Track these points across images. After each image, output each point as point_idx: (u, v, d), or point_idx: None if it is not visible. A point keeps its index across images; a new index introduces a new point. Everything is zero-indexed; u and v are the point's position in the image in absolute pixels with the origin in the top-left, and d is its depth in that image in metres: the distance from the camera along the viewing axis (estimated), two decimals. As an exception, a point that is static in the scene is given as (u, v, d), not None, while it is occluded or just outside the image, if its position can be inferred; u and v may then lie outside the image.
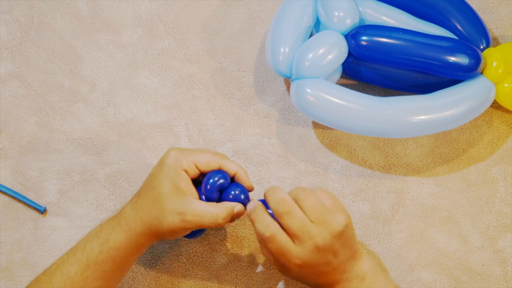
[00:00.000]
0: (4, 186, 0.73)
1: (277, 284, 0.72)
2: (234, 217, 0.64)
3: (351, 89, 0.70)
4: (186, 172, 0.63)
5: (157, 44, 0.78)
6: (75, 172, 0.74)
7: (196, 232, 0.67)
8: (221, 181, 0.64)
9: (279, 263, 0.62)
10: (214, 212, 0.62)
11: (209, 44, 0.78)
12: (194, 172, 0.63)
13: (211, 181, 0.64)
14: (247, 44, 0.78)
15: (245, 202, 0.64)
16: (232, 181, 0.66)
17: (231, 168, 0.65)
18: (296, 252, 0.60)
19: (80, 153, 0.75)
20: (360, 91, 0.75)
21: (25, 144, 0.75)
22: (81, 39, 0.77)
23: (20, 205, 0.74)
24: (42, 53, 0.77)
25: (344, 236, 0.61)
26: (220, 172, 0.64)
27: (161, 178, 0.63)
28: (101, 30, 0.78)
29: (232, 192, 0.64)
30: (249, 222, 0.73)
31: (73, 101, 0.76)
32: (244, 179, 0.65)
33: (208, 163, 0.64)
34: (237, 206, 0.64)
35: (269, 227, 0.61)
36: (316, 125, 0.76)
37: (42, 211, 0.73)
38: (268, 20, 0.78)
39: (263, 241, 0.62)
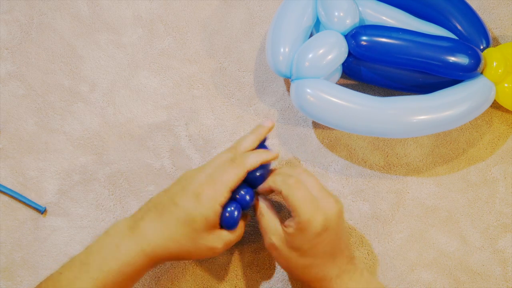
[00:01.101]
0: (4, 186, 0.73)
1: (277, 284, 0.72)
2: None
3: (351, 89, 0.70)
4: (222, 205, 0.63)
5: (157, 44, 0.78)
6: (75, 172, 0.74)
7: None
8: (236, 213, 0.63)
9: (303, 213, 0.61)
10: (236, 237, 0.65)
11: (209, 44, 0.78)
12: (228, 199, 0.63)
13: (228, 218, 0.63)
14: (247, 44, 0.78)
15: (251, 202, 0.65)
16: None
17: (254, 163, 0.64)
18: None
19: (80, 153, 0.75)
20: (360, 91, 0.75)
21: (25, 144, 0.75)
22: (81, 39, 0.77)
23: (20, 205, 0.74)
24: (42, 53, 0.77)
25: (341, 220, 0.63)
26: (230, 205, 0.64)
27: (197, 216, 0.61)
28: (101, 30, 0.78)
29: (238, 195, 0.64)
30: (250, 223, 0.73)
31: (73, 101, 0.76)
32: (269, 158, 0.65)
33: (238, 179, 0.63)
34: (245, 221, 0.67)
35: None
36: (316, 125, 0.76)
37: (42, 211, 0.73)
38: (268, 20, 0.78)
39: (290, 188, 0.62)
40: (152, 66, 0.77)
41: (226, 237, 0.63)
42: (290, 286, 0.72)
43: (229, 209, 0.63)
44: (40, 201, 0.74)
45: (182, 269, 0.72)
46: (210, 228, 0.62)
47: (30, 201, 0.73)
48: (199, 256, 0.63)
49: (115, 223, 0.63)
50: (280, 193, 0.63)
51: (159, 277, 0.72)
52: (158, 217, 0.62)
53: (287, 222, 0.63)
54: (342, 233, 0.63)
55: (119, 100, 0.76)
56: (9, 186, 0.74)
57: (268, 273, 0.73)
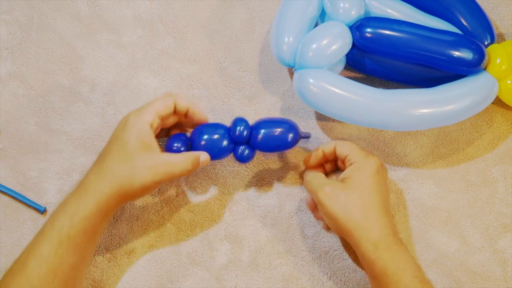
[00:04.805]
0: (4, 186, 0.73)
1: (277, 284, 0.72)
2: (201, 164, 0.67)
3: (354, 80, 0.70)
4: (151, 126, 0.65)
5: (157, 44, 0.78)
6: (75, 172, 0.74)
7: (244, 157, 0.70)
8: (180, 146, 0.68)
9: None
10: (183, 160, 0.65)
11: (209, 44, 0.78)
12: (157, 123, 0.66)
13: (175, 145, 0.68)
14: (247, 44, 0.78)
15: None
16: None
17: (183, 102, 0.68)
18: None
19: (80, 153, 0.75)
20: (363, 83, 0.74)
21: (25, 144, 0.75)
22: (81, 39, 0.77)
23: (20, 205, 0.74)
24: (42, 53, 0.77)
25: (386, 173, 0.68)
26: (180, 136, 0.69)
27: (126, 138, 0.64)
28: (101, 30, 0.78)
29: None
30: (250, 223, 0.73)
31: (73, 101, 0.76)
32: (197, 111, 0.69)
33: (165, 106, 0.66)
34: (202, 155, 0.67)
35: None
36: (316, 125, 0.76)
37: (42, 211, 0.73)
38: (268, 20, 0.78)
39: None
40: (152, 66, 0.77)
41: (167, 157, 0.65)
42: (290, 286, 0.72)
43: (175, 144, 0.68)
44: (40, 201, 0.74)
45: (182, 269, 0.72)
46: (145, 147, 0.64)
47: (30, 201, 0.73)
48: (142, 181, 0.63)
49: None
50: (333, 151, 0.69)
51: (159, 277, 0.72)
52: (99, 161, 0.66)
53: (340, 175, 0.67)
54: (387, 189, 0.67)
55: (119, 100, 0.76)
56: (9, 186, 0.74)
57: (268, 273, 0.72)
